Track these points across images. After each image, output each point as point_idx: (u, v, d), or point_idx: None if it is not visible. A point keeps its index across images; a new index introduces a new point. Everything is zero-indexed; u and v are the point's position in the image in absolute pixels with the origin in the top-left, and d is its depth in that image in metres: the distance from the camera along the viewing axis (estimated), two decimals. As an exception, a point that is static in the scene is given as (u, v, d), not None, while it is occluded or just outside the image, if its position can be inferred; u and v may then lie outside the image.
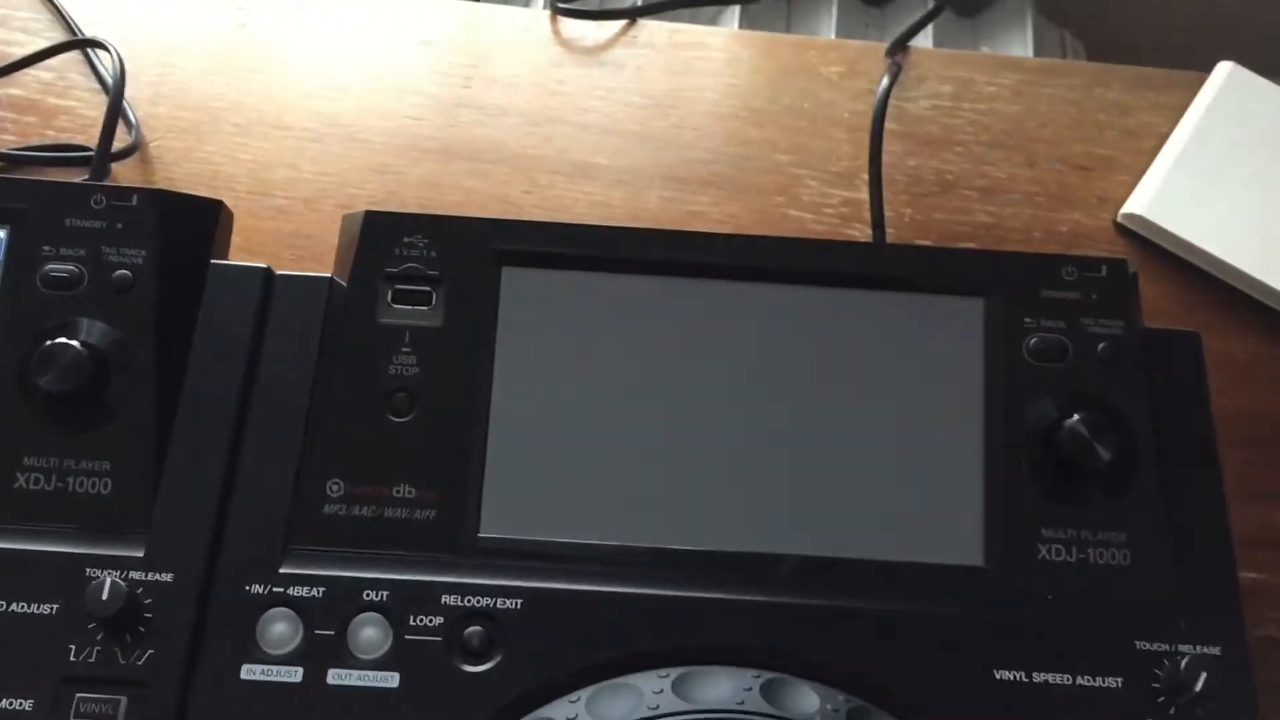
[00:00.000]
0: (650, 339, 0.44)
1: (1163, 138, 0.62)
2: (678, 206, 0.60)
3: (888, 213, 0.60)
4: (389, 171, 0.60)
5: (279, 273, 0.45)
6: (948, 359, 0.44)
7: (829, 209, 0.61)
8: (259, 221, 0.59)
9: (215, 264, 0.45)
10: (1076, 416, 0.42)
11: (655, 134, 0.62)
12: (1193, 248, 0.58)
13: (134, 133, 0.59)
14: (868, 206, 0.58)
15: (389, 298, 0.44)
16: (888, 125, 0.62)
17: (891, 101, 0.63)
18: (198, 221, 0.46)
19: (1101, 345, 0.44)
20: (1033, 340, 0.44)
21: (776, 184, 0.61)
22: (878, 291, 0.45)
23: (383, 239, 0.44)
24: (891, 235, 0.60)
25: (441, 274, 0.44)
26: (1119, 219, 0.60)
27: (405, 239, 0.44)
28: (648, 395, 0.43)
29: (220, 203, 0.47)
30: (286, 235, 0.59)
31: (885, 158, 0.62)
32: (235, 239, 0.58)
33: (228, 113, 0.62)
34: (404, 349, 0.43)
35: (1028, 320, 0.44)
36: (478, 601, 0.40)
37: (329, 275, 0.45)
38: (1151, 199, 0.59)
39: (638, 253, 0.44)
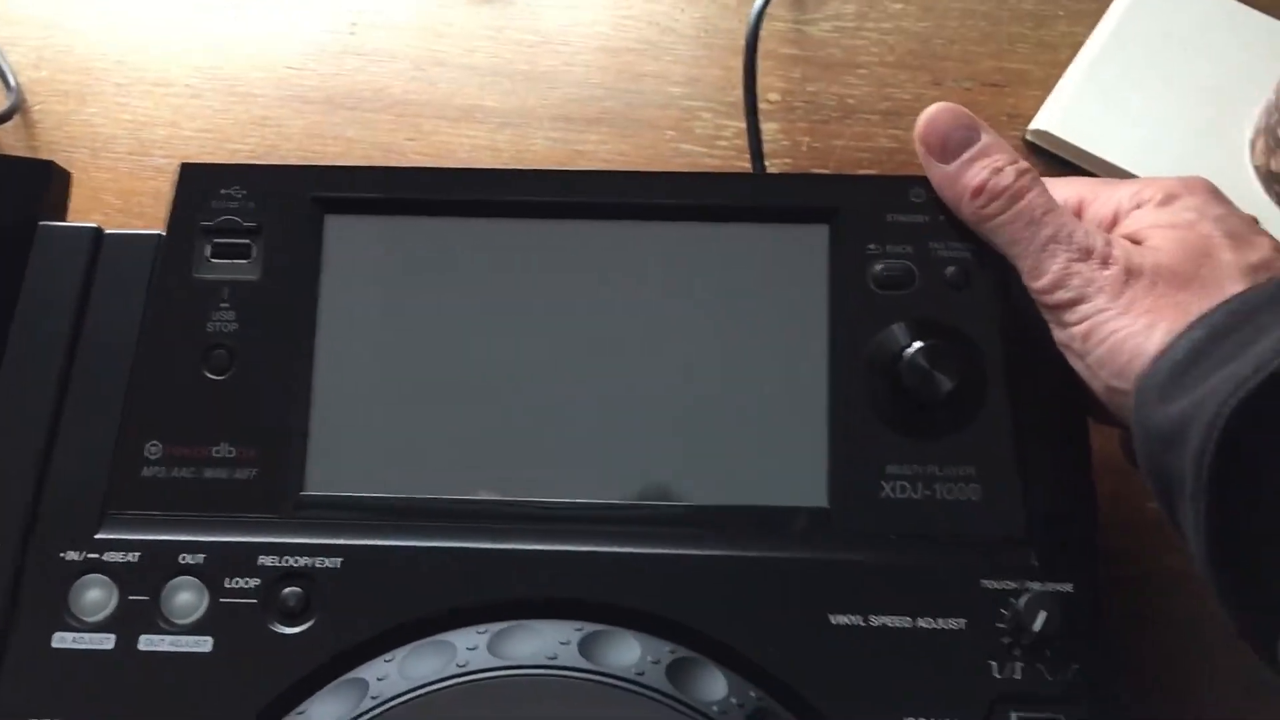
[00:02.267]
0: (479, 284, 0.42)
1: (1080, 48, 0.59)
2: (565, 147, 0.58)
3: (785, 143, 0.58)
4: (269, 124, 0.59)
5: (108, 231, 0.44)
6: (793, 291, 0.42)
7: (723, 141, 0.58)
8: (139, 182, 0.58)
9: (43, 225, 0.44)
10: (916, 346, 0.39)
11: (545, 72, 0.60)
12: (1102, 163, 0.55)
13: (13, 96, 0.58)
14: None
15: (207, 252, 0.42)
16: (787, 51, 0.60)
17: (791, 24, 0.60)
18: (26, 183, 0.45)
19: (949, 269, 0.41)
20: (878, 267, 0.41)
21: (670, 118, 0.59)
22: (718, 224, 0.42)
23: (199, 191, 0.43)
24: (789, 166, 0.58)
25: (260, 225, 0.42)
26: (1027, 136, 0.57)
27: (222, 191, 0.43)
28: (475, 344, 0.41)
29: (51, 163, 0.46)
30: (165, 195, 0.57)
31: (782, 84, 0.59)
32: (113, 201, 0.57)
33: (109, 73, 0.60)
34: (222, 304, 0.42)
35: (872, 246, 0.41)
36: (295, 561, 0.39)
37: (158, 232, 0.44)
38: (1060, 113, 0.56)
39: (463, 194, 0.42)
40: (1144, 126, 0.55)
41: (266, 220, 0.42)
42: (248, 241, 0.42)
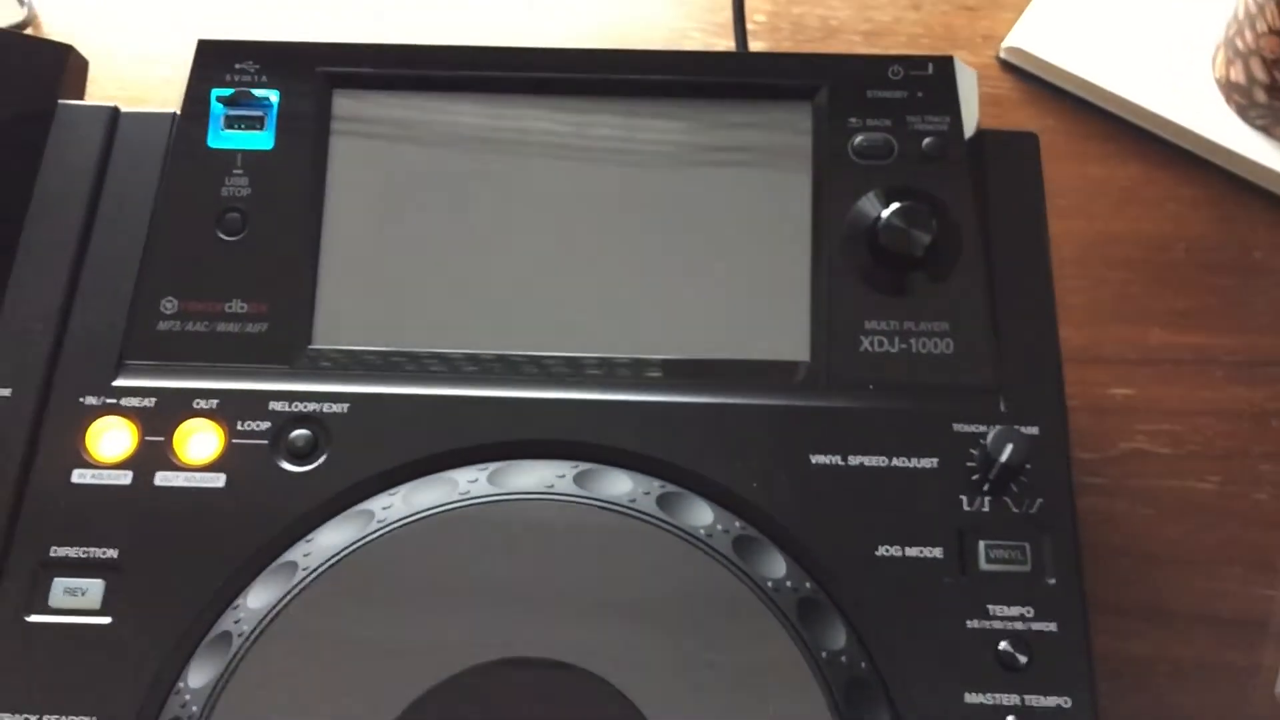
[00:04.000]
0: (481, 157, 0.44)
1: (1053, -28, 0.62)
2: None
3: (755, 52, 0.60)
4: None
5: (124, 110, 0.46)
6: (779, 163, 0.44)
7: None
8: (148, 91, 0.60)
9: (62, 104, 0.46)
10: (894, 207, 0.42)
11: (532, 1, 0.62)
12: (1075, 78, 0.58)
13: (25, 10, 0.60)
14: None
15: (221, 123, 0.44)
16: (772, -25, 0.62)
17: (777, -51, 0.63)
18: (47, 65, 0.47)
19: (926, 141, 0.43)
20: (859, 139, 0.44)
21: (660, 37, 0.61)
22: (707, 100, 0.45)
23: (214, 66, 0.45)
24: (774, 81, 0.60)
25: (272, 99, 0.44)
26: (1000, 54, 0.59)
27: (237, 65, 0.45)
28: (477, 211, 0.44)
29: (70, 47, 0.48)
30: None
31: (769, 6, 0.62)
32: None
33: (119, -10, 0.62)
34: (236, 171, 0.44)
35: (853, 120, 0.44)
36: (304, 407, 0.41)
37: (173, 111, 0.46)
38: (1033, 31, 0.59)
39: (465, 71, 0.45)
40: (1114, 42, 0.58)
41: (279, 93, 0.44)
42: (260, 113, 0.44)
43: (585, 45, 0.60)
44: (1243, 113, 0.55)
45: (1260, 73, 0.53)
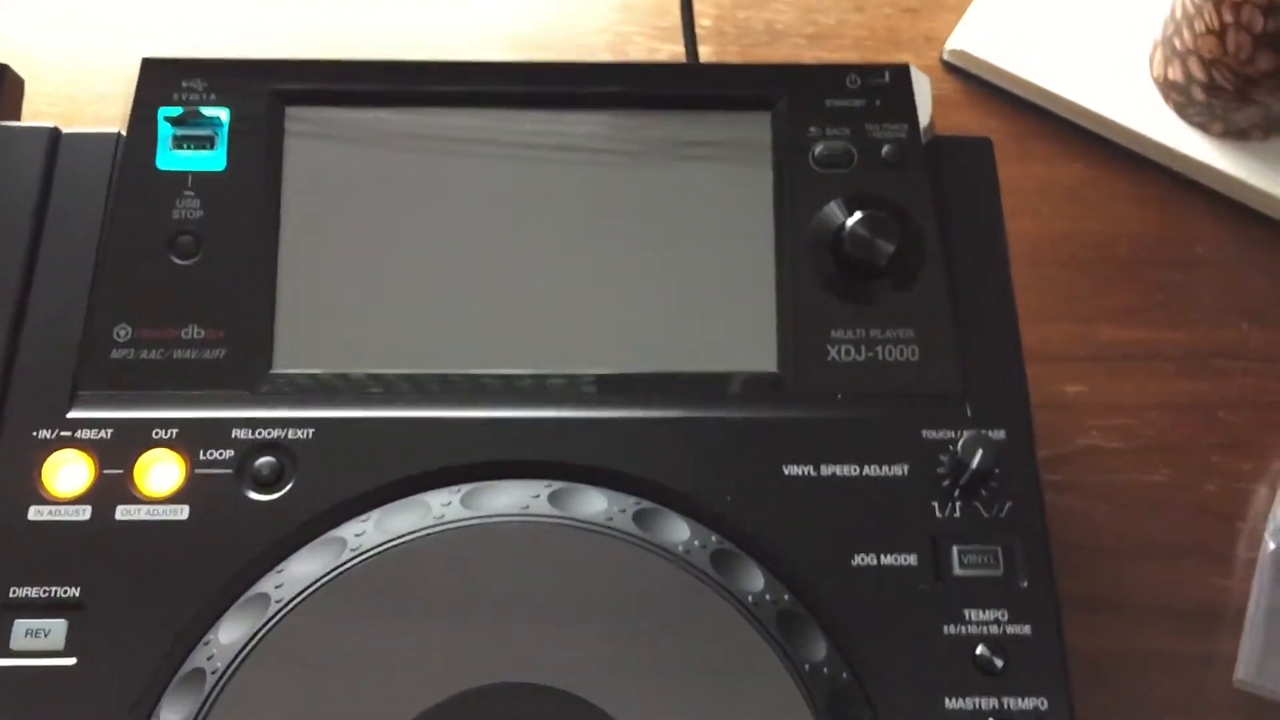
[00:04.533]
0: (438, 171, 0.44)
1: (991, -25, 0.62)
2: (510, 57, 0.60)
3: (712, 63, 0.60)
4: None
5: (65, 130, 0.45)
6: (739, 174, 0.44)
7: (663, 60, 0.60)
8: (83, 106, 0.58)
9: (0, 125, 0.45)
10: (858, 215, 0.42)
11: (485, 1, 0.62)
12: (1017, 79, 0.59)
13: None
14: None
15: (170, 143, 0.43)
16: (716, -20, 0.62)
17: (720, -46, 0.63)
18: (-20, 85, 0.46)
19: (885, 148, 0.44)
20: (819, 148, 0.44)
21: (605, 42, 0.61)
22: (666, 112, 0.44)
23: (160, 84, 0.44)
24: (721, 86, 0.60)
25: (222, 117, 0.43)
26: (944, 56, 0.60)
27: (184, 83, 0.44)
28: (436, 226, 0.43)
29: (5, 66, 0.47)
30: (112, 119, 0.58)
31: (714, 10, 0.62)
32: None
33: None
34: (187, 193, 0.43)
35: (813, 129, 0.44)
36: (269, 433, 0.40)
37: (117, 130, 0.45)
38: (974, 33, 0.59)
39: (422, 85, 0.44)
40: (1054, 42, 0.59)
41: (229, 111, 0.43)
42: (210, 132, 0.43)
43: (529, 50, 0.60)
44: (1181, 111, 0.56)
45: (1198, 72, 0.54)
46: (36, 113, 0.57)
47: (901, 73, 0.45)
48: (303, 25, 0.60)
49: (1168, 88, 0.57)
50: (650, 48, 0.61)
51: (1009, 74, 0.58)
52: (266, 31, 0.60)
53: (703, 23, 0.61)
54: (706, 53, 0.60)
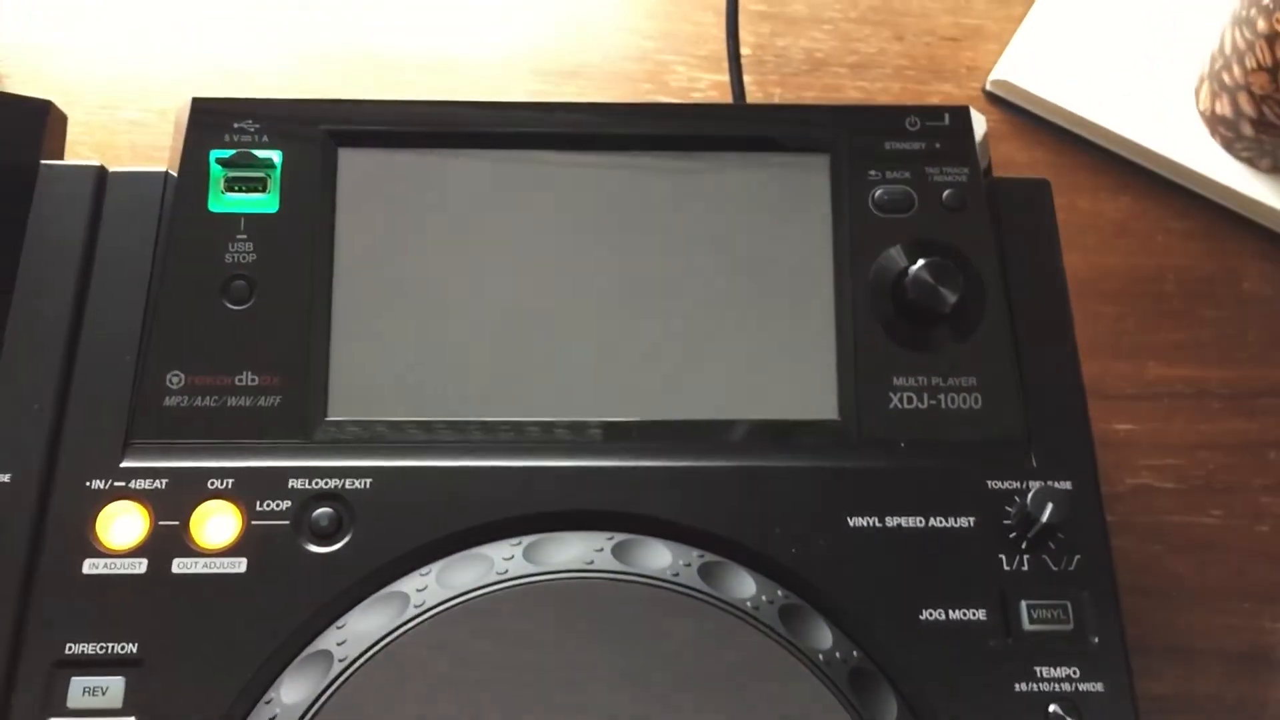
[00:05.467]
0: (493, 214, 0.43)
1: (1034, 2, 0.62)
2: (544, 100, 0.59)
3: (758, 94, 0.60)
4: (244, 75, 0.59)
5: (112, 170, 0.44)
6: (797, 217, 0.43)
7: (697, 93, 0.60)
8: (113, 135, 0.57)
9: (45, 164, 0.44)
10: (921, 263, 0.42)
11: (520, 28, 0.61)
12: (1062, 110, 0.58)
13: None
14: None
15: (221, 186, 0.43)
16: (755, 8, 0.62)
17: (758, -18, 0.62)
18: (26, 123, 0.45)
19: (946, 193, 0.43)
20: (878, 192, 0.43)
21: (644, 71, 0.60)
22: (722, 153, 0.44)
23: (212, 126, 0.43)
24: (762, 116, 0.59)
25: (275, 159, 0.43)
26: (987, 87, 0.60)
27: (235, 125, 0.43)
28: (492, 270, 0.42)
29: (49, 103, 0.46)
30: (139, 147, 0.57)
31: (753, 39, 0.61)
32: (89, 154, 0.57)
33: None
34: (239, 236, 0.42)
35: (873, 173, 0.44)
36: (326, 483, 0.40)
37: (164, 170, 0.44)
38: (1018, 64, 0.59)
39: (475, 127, 0.43)
40: (1098, 73, 0.58)
41: (281, 153, 0.43)
42: (263, 175, 0.43)
43: (562, 79, 0.60)
44: (1228, 145, 0.56)
45: (1248, 107, 0.54)
46: (70, 141, 0.56)
47: (961, 115, 0.44)
48: (330, 52, 0.59)
49: (1215, 122, 0.56)
50: (690, 77, 0.60)
51: (1053, 105, 0.58)
52: (294, 60, 0.59)
53: (743, 52, 0.60)
54: (748, 83, 0.59)
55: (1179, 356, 0.54)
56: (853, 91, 0.60)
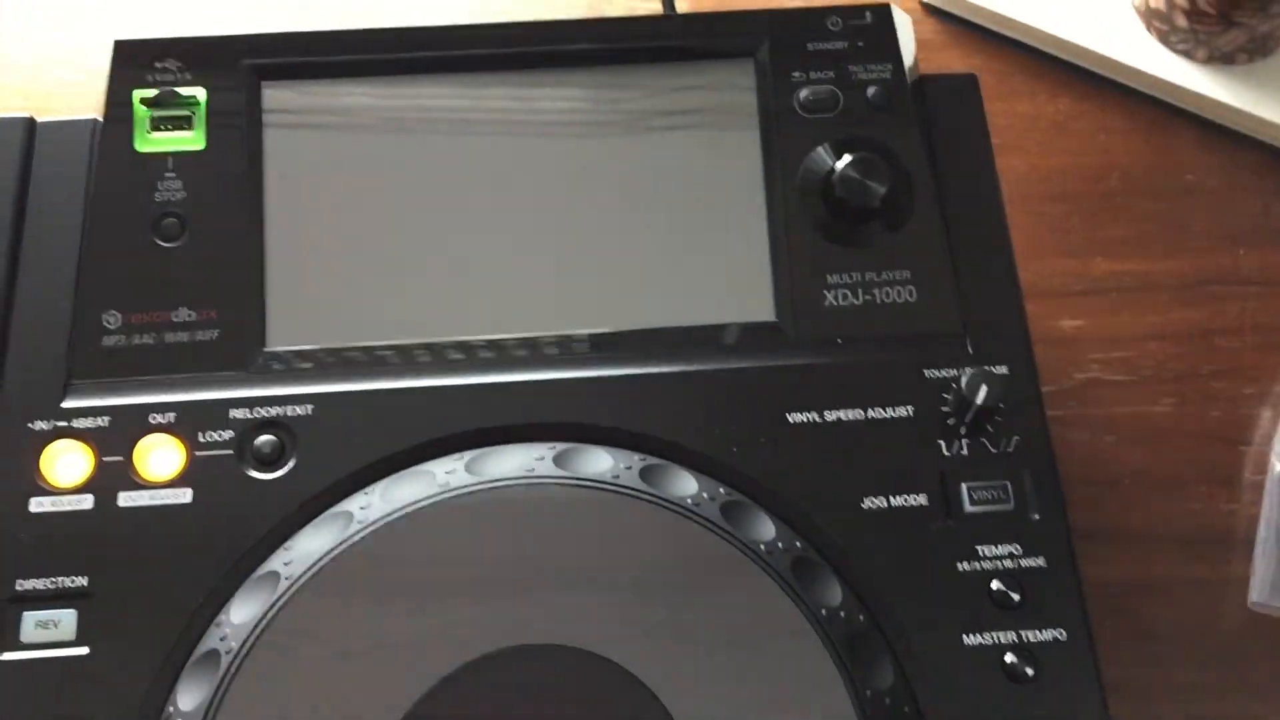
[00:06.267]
0: (421, 141, 0.43)
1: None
2: (487, 18, 0.59)
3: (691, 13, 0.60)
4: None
5: (41, 120, 0.44)
6: (725, 123, 0.44)
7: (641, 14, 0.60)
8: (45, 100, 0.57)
9: (-27, 118, 0.44)
10: (847, 159, 0.42)
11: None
12: (998, 16, 0.58)
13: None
14: (680, 12, 0.57)
15: (147, 126, 0.43)
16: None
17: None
18: (-49, 78, 0.45)
19: (871, 90, 0.43)
20: (803, 93, 0.43)
21: (583, 1, 0.60)
22: (646, 65, 0.44)
23: (134, 66, 0.43)
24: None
25: (199, 96, 0.43)
26: (924, -2, 0.60)
27: (158, 64, 0.43)
28: (421, 196, 0.43)
29: (-25, 59, 0.46)
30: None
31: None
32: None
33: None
34: (168, 174, 0.42)
35: (796, 74, 0.44)
36: (267, 412, 0.40)
37: (94, 117, 0.44)
38: (953, -28, 0.59)
39: (397, 53, 0.43)
40: (1033, -23, 0.58)
41: (205, 90, 0.43)
42: (188, 113, 0.43)
43: (499, 14, 0.60)
44: (1164, 39, 0.56)
45: (1180, -2, 0.54)
46: (5, 107, 0.56)
47: (883, 12, 0.44)
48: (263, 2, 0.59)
49: (1150, 16, 0.56)
50: (628, 6, 0.60)
51: (990, 12, 0.58)
52: (225, 5, 0.59)
53: (678, -25, 0.60)
54: (683, 7, 0.59)
55: (1125, 251, 0.54)
56: (791, 6, 0.60)
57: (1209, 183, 0.55)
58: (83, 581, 0.37)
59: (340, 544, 0.37)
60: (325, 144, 0.43)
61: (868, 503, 0.39)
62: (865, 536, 0.38)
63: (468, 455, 0.39)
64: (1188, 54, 0.56)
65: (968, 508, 0.39)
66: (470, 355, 0.41)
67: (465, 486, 0.37)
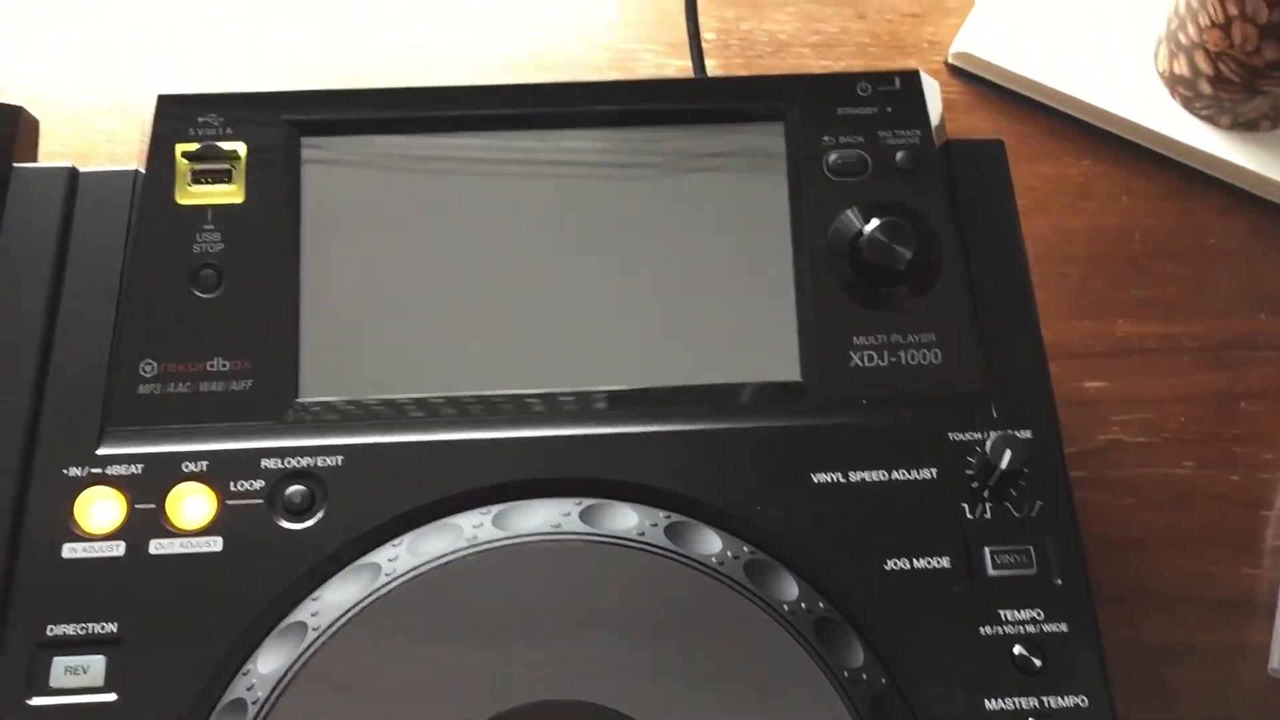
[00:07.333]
0: (454, 195, 0.44)
1: (991, -23, 0.63)
2: (515, 76, 0.60)
3: (723, 76, 0.61)
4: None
5: (83, 170, 0.45)
6: (755, 185, 0.44)
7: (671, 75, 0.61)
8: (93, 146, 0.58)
9: (18, 166, 0.45)
10: (875, 222, 0.42)
11: (487, 21, 0.62)
12: (1023, 79, 0.59)
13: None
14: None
15: (188, 179, 0.43)
16: (716, -8, 0.63)
17: (719, -32, 0.63)
18: (-3, 128, 0.46)
19: (899, 155, 0.44)
20: (832, 157, 0.44)
21: (611, 60, 0.61)
22: (681, 127, 0.45)
23: (176, 120, 0.44)
24: (728, 98, 0.60)
25: (239, 150, 0.44)
26: (949, 60, 0.60)
27: (200, 119, 0.44)
28: (453, 249, 0.43)
29: (21, 108, 0.47)
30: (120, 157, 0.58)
31: (716, 24, 0.62)
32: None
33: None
34: (207, 226, 0.43)
35: (826, 138, 0.44)
36: (297, 462, 0.40)
37: (134, 168, 0.45)
38: (978, 35, 0.60)
39: (433, 110, 0.44)
40: (1057, 41, 0.59)
41: (244, 145, 0.44)
42: (228, 166, 0.44)
43: (533, 71, 0.61)
44: (1188, 104, 0.57)
45: (1205, 65, 0.54)
46: (49, 154, 0.57)
47: (912, 78, 0.45)
48: (307, 55, 0.60)
49: (1174, 82, 0.57)
50: (657, 64, 0.61)
51: (1014, 74, 0.59)
52: (270, 64, 0.60)
53: (707, 36, 0.61)
54: (712, 66, 0.60)
55: (1147, 313, 0.54)
56: (817, 70, 0.61)
57: (1231, 246, 0.56)
58: (112, 628, 0.38)
59: (368, 596, 0.37)
60: (361, 198, 0.44)
61: (890, 564, 0.39)
62: (887, 598, 0.38)
63: (495, 509, 0.39)
64: (1211, 120, 0.56)
65: (990, 571, 0.39)
66: (499, 410, 0.41)
67: (492, 541, 0.38)
